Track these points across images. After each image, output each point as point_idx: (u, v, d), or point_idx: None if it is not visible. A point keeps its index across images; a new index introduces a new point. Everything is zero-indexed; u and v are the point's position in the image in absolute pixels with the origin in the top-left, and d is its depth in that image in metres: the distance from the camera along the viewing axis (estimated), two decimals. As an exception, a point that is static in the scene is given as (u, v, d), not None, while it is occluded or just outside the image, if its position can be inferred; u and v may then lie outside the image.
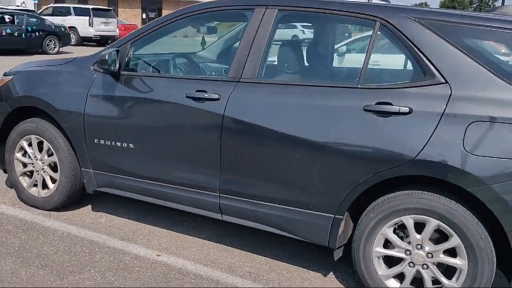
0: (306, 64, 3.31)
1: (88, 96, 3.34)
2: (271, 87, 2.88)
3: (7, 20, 16.42)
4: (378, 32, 2.71)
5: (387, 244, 2.70)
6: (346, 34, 3.37)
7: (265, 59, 2.95)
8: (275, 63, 3.29)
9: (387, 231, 2.65)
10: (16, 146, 3.74)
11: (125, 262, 3.04)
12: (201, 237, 3.44)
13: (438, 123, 2.45)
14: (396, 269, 2.67)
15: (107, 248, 3.21)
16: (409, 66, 2.66)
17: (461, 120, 2.42)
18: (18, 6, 23.96)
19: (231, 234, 3.48)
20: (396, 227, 2.66)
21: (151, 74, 3.31)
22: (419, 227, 2.58)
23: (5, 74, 3.88)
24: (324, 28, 3.55)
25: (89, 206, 3.88)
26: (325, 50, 3.51)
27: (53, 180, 3.68)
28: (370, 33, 2.73)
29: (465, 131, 2.39)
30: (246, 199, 2.96)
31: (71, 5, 23.96)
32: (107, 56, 3.12)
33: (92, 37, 22.54)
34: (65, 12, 23.15)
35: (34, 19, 17.25)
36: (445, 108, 2.46)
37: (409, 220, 2.58)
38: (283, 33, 4.01)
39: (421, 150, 2.46)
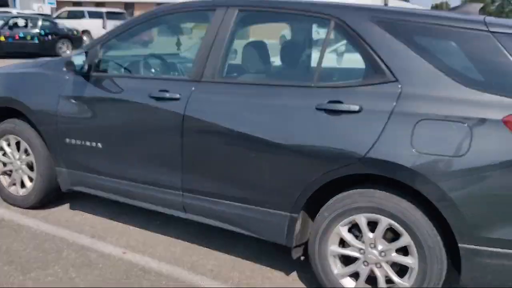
0: (266, 64, 3.33)
1: (60, 97, 3.41)
2: (229, 87, 2.91)
3: (21, 24, 16.80)
4: (333, 31, 2.72)
5: (343, 243, 2.70)
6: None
7: (225, 59, 2.97)
8: (236, 63, 3.31)
9: (341, 229, 2.64)
10: (-5, 146, 3.84)
11: (90, 259, 3.09)
12: (170, 236, 3.48)
13: (387, 121, 2.44)
14: (351, 268, 2.67)
15: (75, 245, 3.27)
16: (363, 65, 2.66)
17: (409, 118, 2.41)
18: (34, 10, 24.43)
19: (201, 233, 3.51)
20: (351, 226, 2.66)
21: (117, 74, 3.37)
22: (374, 226, 2.58)
23: (-13, 76, 3.98)
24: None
25: (68, 205, 3.95)
26: (283, 50, 3.52)
27: (31, 179, 3.76)
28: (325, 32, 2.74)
29: (413, 129, 2.38)
30: (207, 198, 2.99)
31: (85, 9, 24.39)
32: (72, 58, 3.19)
33: None
34: (80, 16, 23.57)
35: (47, 23, 17.60)
36: (394, 106, 2.45)
37: (361, 219, 2.58)
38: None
39: (370, 149, 2.45)
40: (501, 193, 2.28)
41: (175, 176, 3.05)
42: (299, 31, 3.56)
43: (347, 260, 2.71)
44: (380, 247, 2.56)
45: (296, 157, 2.65)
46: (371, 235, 2.57)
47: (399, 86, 2.48)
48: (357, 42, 2.63)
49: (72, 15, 23.71)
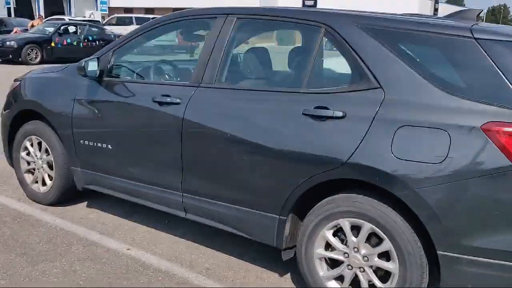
0: (263, 70, 3.42)
1: (75, 100, 3.63)
2: (225, 92, 3.02)
3: (71, 30, 17.64)
4: (324, 38, 2.77)
5: (330, 246, 2.74)
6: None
7: (223, 64, 3.08)
8: (235, 68, 3.42)
9: (327, 233, 2.69)
10: (21, 145, 4.12)
11: (96, 253, 3.28)
12: (175, 235, 3.62)
13: (369, 127, 2.48)
14: (336, 271, 2.71)
15: (85, 240, 3.47)
16: (350, 71, 2.70)
17: (390, 125, 2.43)
18: (85, 17, 25.50)
19: (205, 233, 3.63)
20: (337, 230, 2.70)
21: (126, 79, 3.54)
22: (359, 230, 2.61)
23: (15, 80, 4.27)
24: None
25: (85, 203, 4.17)
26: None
27: (51, 178, 4.01)
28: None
29: (394, 135, 2.41)
30: (204, 199, 3.10)
31: (134, 15, 25.22)
32: (83, 64, 3.40)
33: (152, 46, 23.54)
34: (128, 22, 24.41)
35: (95, 29, 18.37)
36: (376, 113, 2.48)
37: (345, 223, 2.62)
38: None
39: (352, 154, 2.49)
40: (479, 202, 2.26)
41: (175, 177, 3.18)
42: (291, 37, 3.62)
43: (334, 263, 2.75)
44: (363, 252, 2.59)
45: (284, 161, 2.72)
46: (354, 239, 2.61)
47: (383, 92, 2.50)
48: (344, 48, 2.67)
49: (120, 22, 24.60)
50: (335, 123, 2.57)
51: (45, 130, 3.91)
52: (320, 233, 2.70)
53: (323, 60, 2.85)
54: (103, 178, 3.63)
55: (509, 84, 2.27)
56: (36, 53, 16.64)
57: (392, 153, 2.40)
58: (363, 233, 2.57)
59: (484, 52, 2.35)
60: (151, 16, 25.06)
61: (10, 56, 16.21)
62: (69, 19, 21.91)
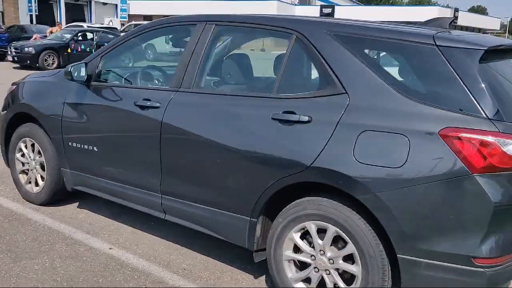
0: (241, 75, 3.49)
1: (65, 103, 3.75)
2: (203, 97, 3.10)
3: (88, 37, 18.01)
4: (294, 44, 2.83)
5: (298, 248, 2.78)
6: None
7: (202, 70, 3.17)
8: (213, 74, 3.49)
9: (294, 235, 2.74)
10: (16, 147, 4.26)
11: (78, 252, 3.37)
12: (158, 236, 3.70)
13: (334, 131, 2.53)
14: (304, 273, 2.75)
15: (69, 239, 3.57)
16: (318, 77, 2.75)
17: (353, 129, 2.48)
18: (103, 24, 25.96)
19: (186, 234, 3.70)
20: (305, 232, 2.74)
21: (112, 84, 3.65)
22: (325, 233, 2.65)
23: (13, 84, 4.42)
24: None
25: (77, 203, 4.29)
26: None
27: (43, 178, 4.13)
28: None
29: (356, 139, 2.45)
30: (182, 200, 3.18)
31: (150, 23, 25.52)
32: (70, 68, 3.52)
33: (168, 53, 23.86)
34: (145, 29, 24.69)
35: (111, 36, 18.67)
36: (340, 117, 2.53)
37: (311, 226, 2.66)
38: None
39: (317, 158, 2.54)
40: (436, 206, 2.29)
41: (155, 179, 3.27)
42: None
43: (302, 265, 2.79)
44: (329, 254, 2.63)
45: (254, 164, 2.78)
46: (320, 242, 2.65)
47: (348, 97, 2.55)
48: (313, 55, 2.73)
49: (138, 29, 24.93)
50: (302, 128, 2.63)
51: (38, 132, 4.04)
52: (288, 235, 2.75)
53: (295, 66, 2.90)
54: (90, 180, 3.73)
55: (468, 90, 2.30)
56: (53, 59, 17.05)
57: (354, 157, 2.44)
58: (328, 236, 2.61)
59: (445, 59, 2.39)
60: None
61: (28, 61, 16.63)
62: (88, 26, 22.34)
